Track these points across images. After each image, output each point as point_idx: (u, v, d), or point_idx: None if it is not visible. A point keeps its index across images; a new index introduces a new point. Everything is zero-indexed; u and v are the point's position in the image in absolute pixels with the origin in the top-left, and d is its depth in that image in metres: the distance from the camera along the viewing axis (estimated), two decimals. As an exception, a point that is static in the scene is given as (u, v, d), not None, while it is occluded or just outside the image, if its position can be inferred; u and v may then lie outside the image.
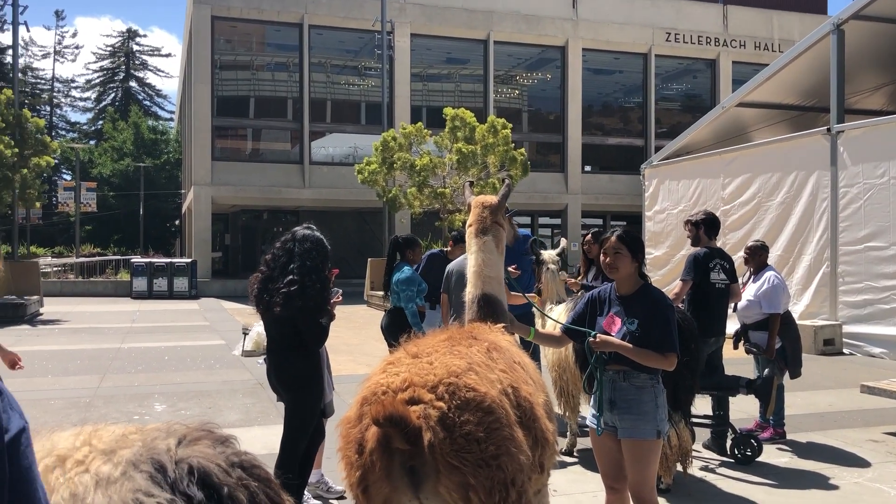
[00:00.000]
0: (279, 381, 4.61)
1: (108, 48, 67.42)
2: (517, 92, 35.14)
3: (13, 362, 4.75)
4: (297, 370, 4.52)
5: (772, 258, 9.10)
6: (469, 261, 3.89)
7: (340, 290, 5.03)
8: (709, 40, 34.63)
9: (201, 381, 9.83)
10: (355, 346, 13.52)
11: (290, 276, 4.35)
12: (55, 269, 32.96)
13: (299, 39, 31.05)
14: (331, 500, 5.38)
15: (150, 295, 26.51)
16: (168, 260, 29.33)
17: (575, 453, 6.50)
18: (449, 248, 8.05)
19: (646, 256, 8.45)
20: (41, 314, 19.86)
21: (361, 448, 2.67)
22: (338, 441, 2.85)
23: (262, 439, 6.73)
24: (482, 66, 32.95)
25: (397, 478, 2.64)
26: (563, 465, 6.15)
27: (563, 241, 7.37)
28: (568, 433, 6.59)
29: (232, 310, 21.30)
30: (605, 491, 4.05)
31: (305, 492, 5.08)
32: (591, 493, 5.45)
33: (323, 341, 4.58)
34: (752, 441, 6.35)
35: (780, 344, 7.03)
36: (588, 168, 34.64)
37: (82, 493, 1.52)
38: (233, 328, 16.02)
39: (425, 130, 22.65)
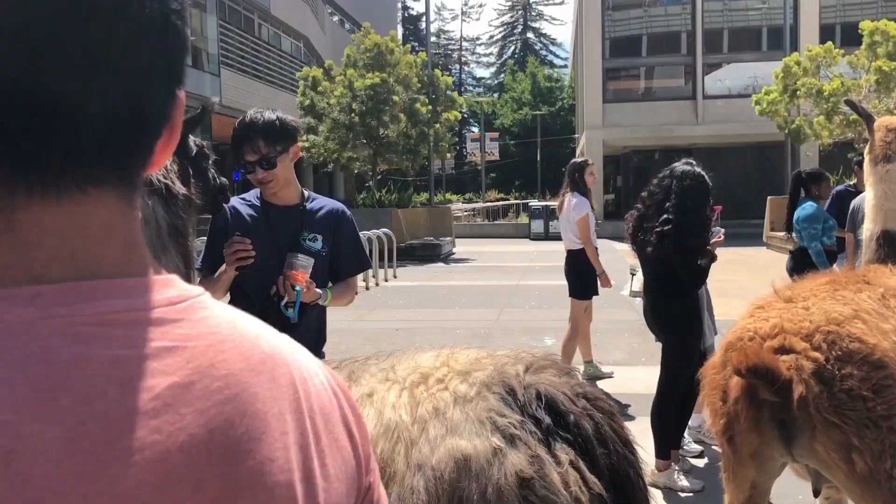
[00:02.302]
0: (655, 321, 4.56)
1: (508, 3, 71.50)
2: (962, -6, 29.48)
3: None
4: (672, 312, 4.41)
5: None
6: (867, 193, 3.39)
7: (722, 230, 4.76)
8: None
9: (589, 319, 10.11)
10: (750, 290, 12.73)
11: (666, 216, 4.22)
12: (465, 213, 36.42)
13: (691, -32, 29.66)
14: (712, 446, 5.20)
15: (546, 236, 27.94)
16: (563, 203, 30.57)
17: None
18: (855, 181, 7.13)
19: None
20: (454, 254, 22.16)
21: (726, 396, 2.52)
22: (703, 386, 2.73)
23: (645, 379, 6.75)
24: (912, -33, 28.22)
25: (766, 430, 2.45)
26: None
27: None
28: None
29: (623, 251, 21.52)
30: None
31: (685, 435, 4.98)
32: None
33: (700, 283, 4.39)
34: None
35: None
36: None
37: (443, 409, 1.67)
38: (623, 269, 16.16)
39: (836, 50, 20.15)
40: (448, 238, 22.92)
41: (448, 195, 45.57)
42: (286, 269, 2.87)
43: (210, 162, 2.97)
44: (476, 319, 10.39)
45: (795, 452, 2.43)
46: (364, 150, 22.67)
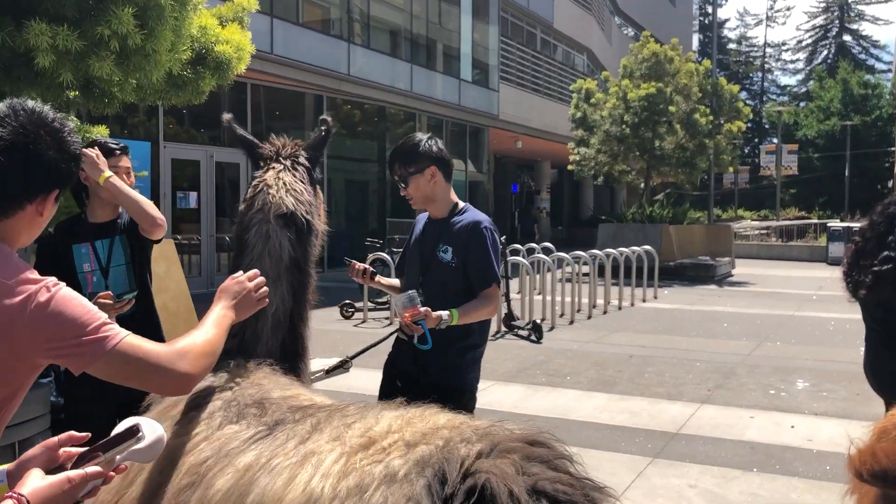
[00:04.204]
0: (875, 380, 3.68)
1: (821, 4, 65.37)
2: None
3: None
4: (893, 369, 3.54)
5: None
6: None
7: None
8: None
9: (857, 362, 8.71)
10: None
11: (887, 252, 3.39)
12: (757, 231, 33.73)
13: None
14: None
15: (846, 261, 24.90)
16: (869, 224, 27.05)
17: None
18: None
19: None
20: (731, 275, 20.56)
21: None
22: (850, 485, 2.08)
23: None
24: None
25: (923, 559, 1.78)
26: None
27: None
28: None
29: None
30: None
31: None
32: None
33: (936, 337, 3.47)
34: None
35: None
36: None
37: (367, 486, 1.40)
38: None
39: None
40: (726, 258, 21.33)
41: (741, 211, 42.60)
42: (400, 311, 3.03)
43: None
44: (724, 352, 9.43)
45: None
46: (637, 163, 21.92)
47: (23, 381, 1.68)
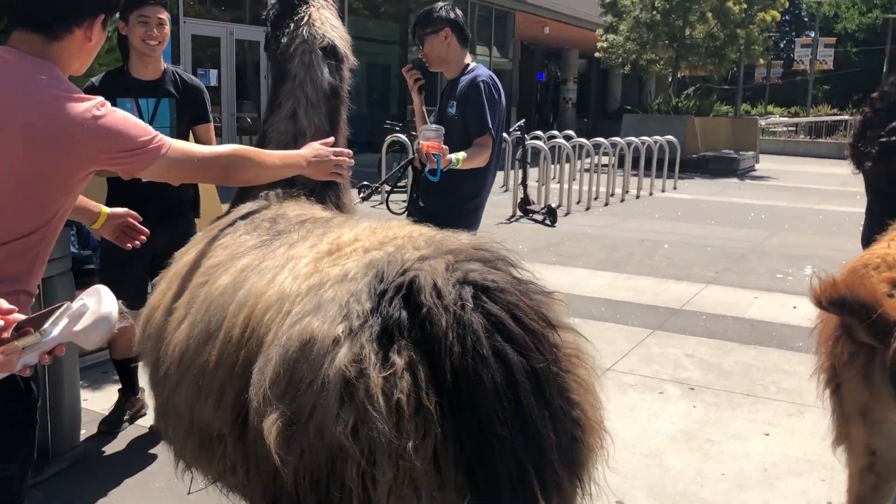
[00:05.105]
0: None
1: None
2: None
3: None
4: (891, 240, 3.58)
5: None
6: None
7: None
8: None
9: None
10: None
11: (895, 123, 3.37)
12: (785, 128, 33.05)
13: None
14: None
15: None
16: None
17: None
18: None
19: None
20: (754, 170, 20.33)
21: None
22: (817, 319, 2.19)
23: None
24: None
25: (879, 385, 1.90)
26: None
27: None
28: None
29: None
30: None
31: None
32: None
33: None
34: None
35: None
36: None
37: (324, 284, 1.53)
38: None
39: None
40: (750, 153, 21.03)
41: (770, 108, 41.56)
42: (420, 140, 3.28)
43: None
44: (738, 239, 9.48)
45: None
46: (666, 52, 21.35)
47: (74, 190, 1.92)
